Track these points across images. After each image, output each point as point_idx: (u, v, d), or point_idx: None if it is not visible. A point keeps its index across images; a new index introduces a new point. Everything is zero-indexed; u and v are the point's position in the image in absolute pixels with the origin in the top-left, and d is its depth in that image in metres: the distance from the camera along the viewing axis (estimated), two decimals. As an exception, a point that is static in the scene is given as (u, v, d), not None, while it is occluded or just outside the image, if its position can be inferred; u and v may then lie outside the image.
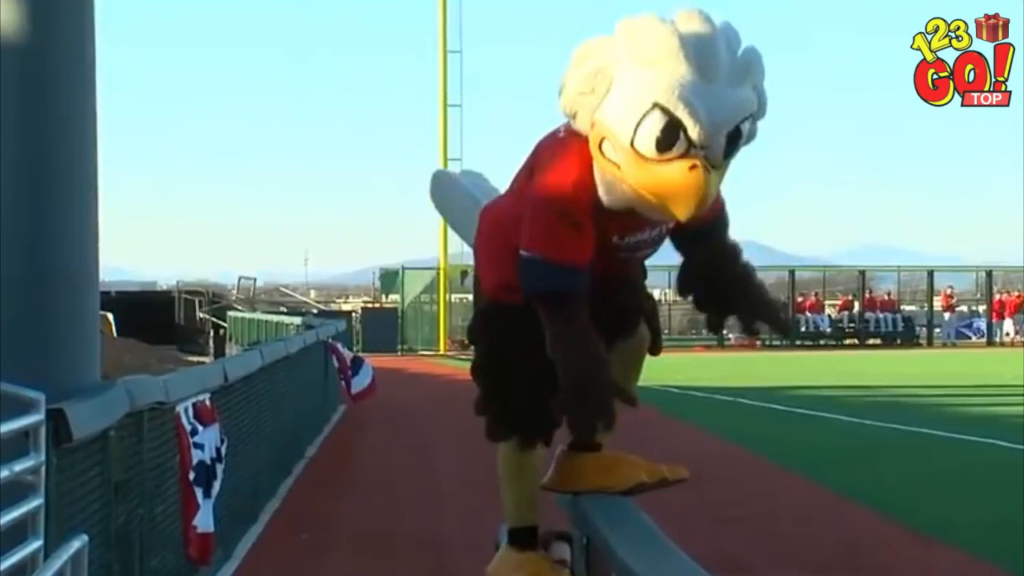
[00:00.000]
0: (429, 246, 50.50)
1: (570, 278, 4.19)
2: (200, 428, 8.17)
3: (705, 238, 4.48)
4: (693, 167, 3.86)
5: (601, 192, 4.11)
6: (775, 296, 4.62)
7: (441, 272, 48.82)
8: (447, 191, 5.68)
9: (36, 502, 5.53)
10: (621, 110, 3.91)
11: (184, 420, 7.96)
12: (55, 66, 6.88)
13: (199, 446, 8.07)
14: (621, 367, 4.54)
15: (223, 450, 8.57)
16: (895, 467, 16.19)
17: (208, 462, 8.18)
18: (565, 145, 4.23)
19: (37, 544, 5.50)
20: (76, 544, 5.45)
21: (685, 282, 4.64)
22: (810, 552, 10.59)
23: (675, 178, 3.88)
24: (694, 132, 3.81)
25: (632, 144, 3.88)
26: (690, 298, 4.63)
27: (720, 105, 3.86)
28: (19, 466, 5.42)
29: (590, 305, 4.23)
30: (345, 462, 17.16)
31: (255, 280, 70.05)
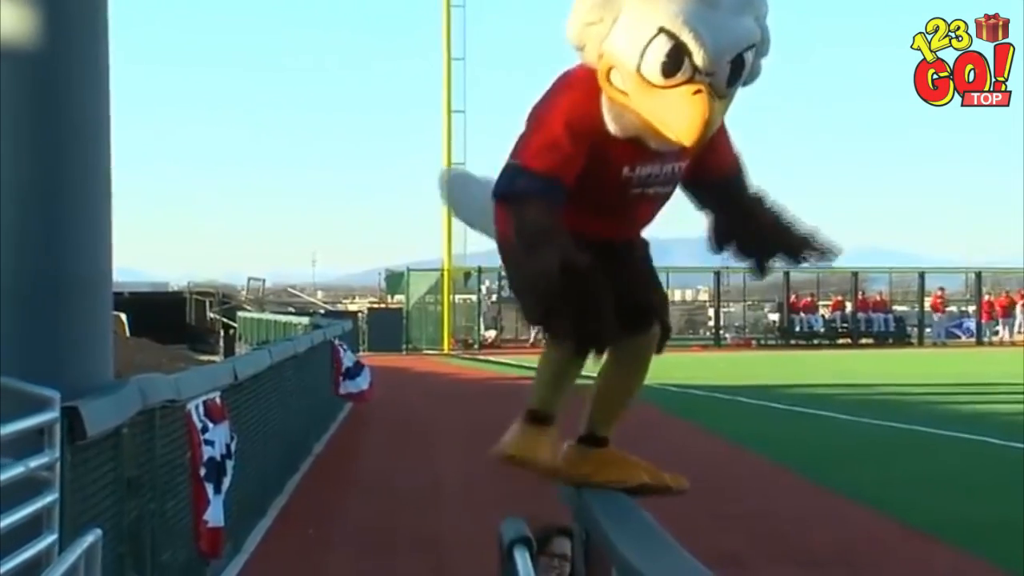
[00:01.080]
0: (433, 248, 50.62)
1: (540, 184, 4.15)
2: (211, 425, 8.17)
3: (732, 189, 4.48)
4: (698, 91, 3.88)
5: (609, 121, 4.12)
6: (809, 224, 4.57)
7: (445, 273, 48.80)
8: (461, 186, 5.65)
9: (51, 497, 5.53)
10: (628, 37, 3.94)
11: (195, 418, 7.96)
12: (69, 73, 6.87)
13: (209, 443, 8.07)
14: (630, 365, 4.54)
15: (233, 447, 8.58)
16: (890, 465, 16.18)
17: (218, 458, 8.18)
18: (573, 76, 4.25)
19: (52, 538, 5.50)
20: (90, 538, 5.45)
21: (721, 237, 4.60)
22: (806, 548, 10.60)
23: (680, 102, 3.90)
24: (698, 56, 3.84)
25: (639, 70, 3.91)
26: (729, 250, 4.58)
27: (723, 31, 3.89)
28: (35, 462, 5.43)
29: (607, 287, 4.19)
30: (351, 459, 17.17)
31: (264, 281, 70.03)
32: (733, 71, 3.96)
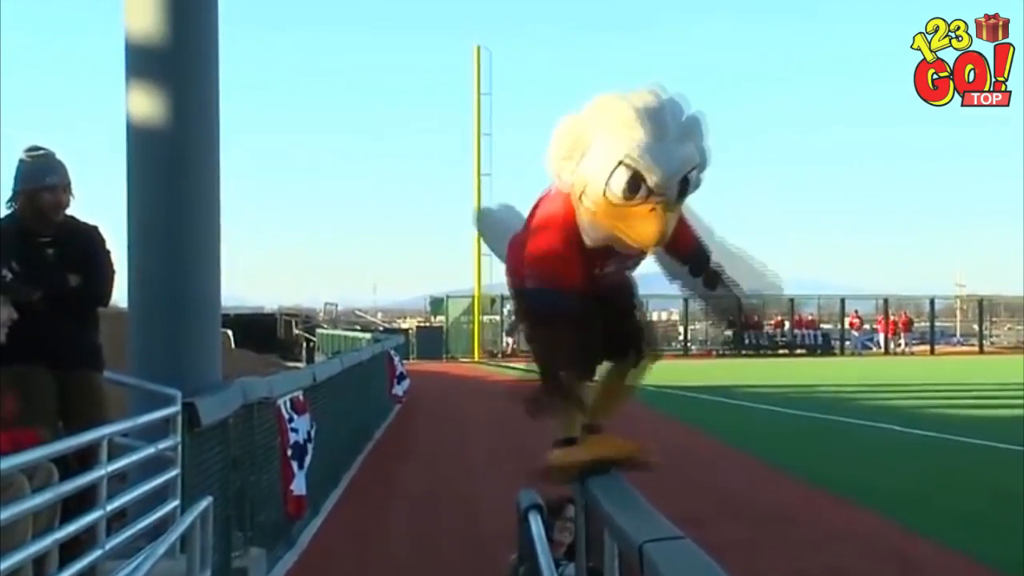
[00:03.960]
0: (467, 279, 50.56)
1: (559, 299, 4.22)
2: (295, 416, 8.18)
3: (691, 266, 4.53)
4: (653, 209, 3.91)
5: (583, 233, 4.15)
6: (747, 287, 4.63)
7: (476, 300, 48.85)
8: (489, 223, 5.67)
9: (174, 472, 5.56)
10: (595, 168, 3.96)
11: (283, 410, 7.98)
12: (186, 146, 6.93)
13: (295, 430, 8.09)
14: (620, 378, 4.57)
15: (312, 433, 8.59)
16: (819, 446, 16.14)
17: (301, 442, 8.20)
18: (554, 199, 4.28)
19: (175, 503, 5.53)
20: (204, 504, 5.48)
21: (685, 286, 4.69)
22: (753, 509, 10.56)
23: (640, 218, 3.93)
24: (652, 182, 3.86)
25: (605, 194, 3.93)
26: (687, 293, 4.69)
27: (671, 159, 3.91)
28: (162, 445, 5.46)
29: (594, 322, 4.25)
30: (403, 441, 17.15)
31: (337, 305, 70.10)
32: (681, 189, 4.00)
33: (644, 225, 3.97)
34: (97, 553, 4.43)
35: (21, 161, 5.56)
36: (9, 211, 5.57)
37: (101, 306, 5.84)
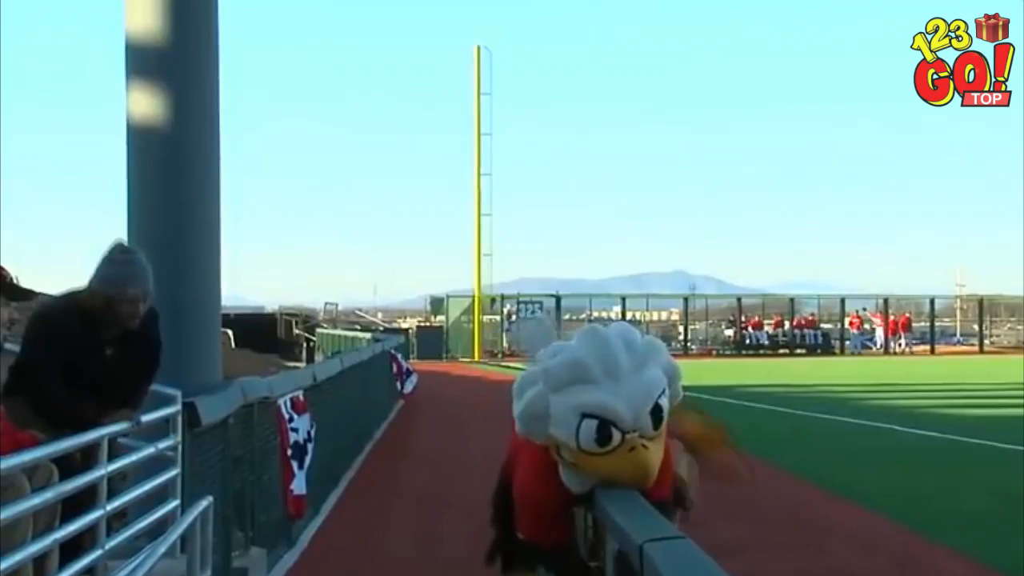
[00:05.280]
0: (466, 280, 50.56)
1: (555, 553, 4.30)
2: (296, 416, 8.19)
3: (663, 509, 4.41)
4: (632, 449, 3.85)
5: (567, 483, 4.12)
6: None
7: (476, 300, 48.83)
8: (527, 334, 5.65)
9: (175, 471, 5.56)
10: (560, 427, 3.92)
11: (283, 410, 7.98)
12: (187, 146, 6.93)
13: (295, 430, 8.09)
14: None
15: (313, 432, 8.59)
16: (817, 446, 16.14)
17: (301, 442, 8.20)
18: (537, 451, 4.26)
19: (175, 503, 5.53)
20: (204, 503, 5.48)
21: None
22: (753, 509, 10.55)
23: (622, 462, 3.87)
24: (622, 424, 3.81)
25: (579, 448, 3.88)
26: None
27: (634, 395, 3.84)
28: (162, 444, 5.46)
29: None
30: (403, 441, 17.15)
31: (337, 305, 70.01)
32: (655, 417, 3.92)
33: (629, 467, 3.90)
34: (97, 553, 4.44)
35: (106, 261, 5.18)
36: (81, 300, 5.17)
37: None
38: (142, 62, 6.90)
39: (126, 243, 5.55)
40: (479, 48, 48.11)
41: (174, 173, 6.84)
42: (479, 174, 47.72)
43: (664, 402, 3.92)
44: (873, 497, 11.14)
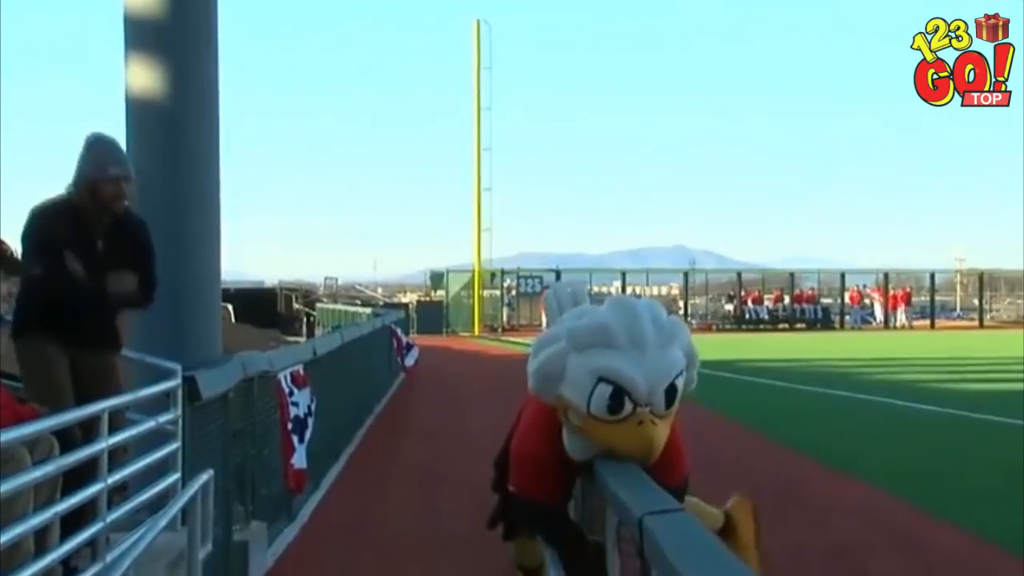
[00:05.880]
0: (466, 254, 50.56)
1: (545, 512, 4.26)
2: (296, 390, 8.19)
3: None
4: (641, 423, 3.82)
5: (569, 449, 4.08)
6: None
7: (476, 274, 48.84)
8: (562, 298, 5.60)
9: (175, 445, 5.57)
10: (575, 387, 3.87)
11: (284, 384, 7.99)
12: (187, 120, 6.91)
13: (295, 404, 8.10)
14: None
15: (313, 407, 8.60)
16: (817, 420, 16.16)
17: (302, 416, 8.21)
18: (544, 410, 4.22)
19: (176, 476, 5.54)
20: (205, 477, 5.50)
21: None
22: (752, 484, 10.56)
23: (629, 434, 3.83)
24: (636, 394, 3.77)
25: (589, 412, 3.84)
26: None
27: (654, 369, 3.80)
28: (163, 418, 5.47)
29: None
30: (404, 416, 17.18)
31: (337, 280, 70.11)
32: (668, 395, 3.89)
33: (634, 440, 3.86)
34: (98, 526, 4.45)
35: (86, 148, 5.47)
36: (67, 195, 5.46)
37: (140, 308, 5.79)
38: (141, 36, 6.87)
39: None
40: (479, 22, 48.00)
41: (173, 148, 6.83)
42: (479, 148, 47.68)
43: (680, 383, 3.91)
44: (873, 472, 11.16)
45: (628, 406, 3.79)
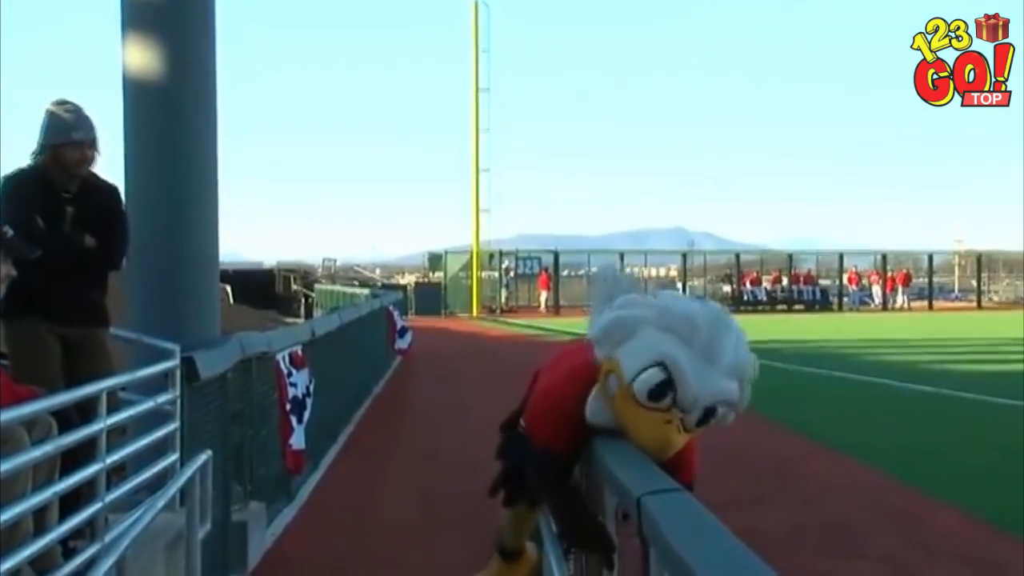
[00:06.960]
0: (465, 236, 50.55)
1: (548, 458, 4.19)
2: (294, 371, 8.19)
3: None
4: (668, 422, 3.77)
5: (589, 408, 4.03)
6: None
7: (474, 256, 48.85)
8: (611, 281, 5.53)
9: (174, 425, 5.57)
10: (633, 356, 3.80)
11: (282, 365, 7.99)
12: (184, 103, 6.89)
13: (294, 384, 8.10)
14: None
15: (311, 388, 8.61)
16: (815, 401, 16.20)
17: (300, 397, 8.21)
18: (584, 363, 4.14)
19: (175, 457, 5.54)
20: (203, 457, 5.50)
21: None
22: (750, 464, 10.60)
23: (652, 425, 3.78)
24: (681, 395, 3.72)
25: (631, 384, 3.78)
26: None
27: (709, 383, 3.73)
28: (161, 399, 5.46)
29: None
30: (402, 397, 17.20)
31: (335, 261, 70.16)
32: (704, 416, 3.84)
33: (652, 433, 3.81)
34: (97, 506, 4.44)
35: (48, 114, 5.51)
36: (33, 163, 5.53)
37: (112, 270, 5.84)
38: (138, 14, 6.84)
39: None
40: (476, 3, 47.85)
41: (170, 128, 6.80)
42: (477, 129, 47.64)
43: (720, 411, 3.87)
44: (871, 452, 11.18)
45: (667, 401, 3.75)
